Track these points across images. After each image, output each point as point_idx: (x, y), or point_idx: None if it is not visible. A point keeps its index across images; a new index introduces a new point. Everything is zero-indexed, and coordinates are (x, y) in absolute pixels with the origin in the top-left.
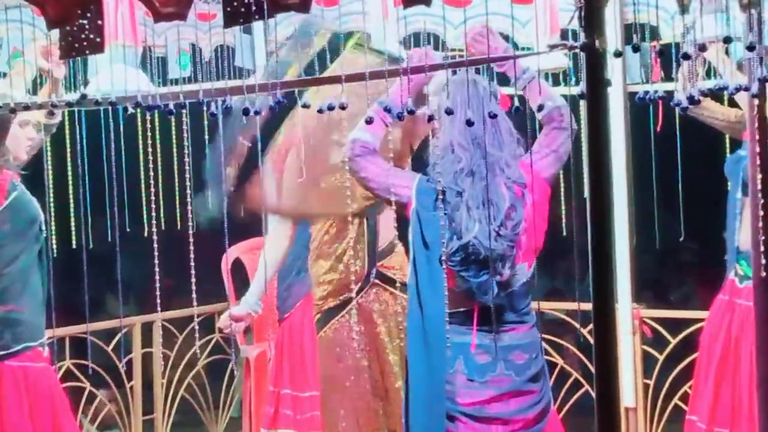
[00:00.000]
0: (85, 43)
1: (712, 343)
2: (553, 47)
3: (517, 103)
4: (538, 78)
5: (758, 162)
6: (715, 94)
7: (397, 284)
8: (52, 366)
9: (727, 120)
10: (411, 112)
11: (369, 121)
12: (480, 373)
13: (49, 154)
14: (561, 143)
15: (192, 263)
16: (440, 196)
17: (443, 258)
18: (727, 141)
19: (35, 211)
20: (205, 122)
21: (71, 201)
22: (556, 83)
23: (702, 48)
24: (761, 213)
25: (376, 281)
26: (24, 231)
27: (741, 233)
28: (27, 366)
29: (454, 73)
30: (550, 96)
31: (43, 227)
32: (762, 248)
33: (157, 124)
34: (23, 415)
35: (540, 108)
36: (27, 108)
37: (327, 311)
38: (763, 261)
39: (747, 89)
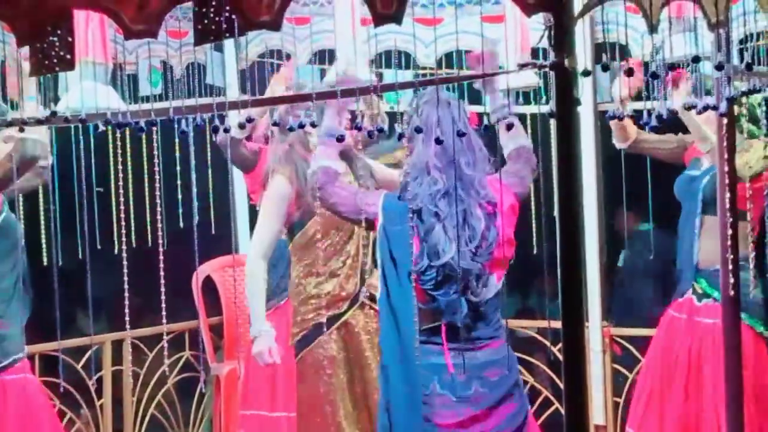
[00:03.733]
0: (55, 60)
1: (667, 361)
2: (522, 66)
3: (486, 121)
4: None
5: (726, 180)
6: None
7: None
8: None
9: (668, 147)
10: (381, 131)
11: (340, 139)
12: (454, 391)
13: (18, 171)
14: (525, 175)
15: (162, 281)
16: (413, 215)
17: (413, 276)
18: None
19: (19, 229)
20: (176, 139)
21: (42, 218)
22: (526, 102)
23: (671, 67)
24: (729, 232)
25: (364, 300)
26: (10, 251)
27: (701, 252)
28: (20, 378)
29: (418, 90)
30: (521, 134)
31: (22, 243)
32: (730, 266)
33: (128, 141)
34: (25, 427)
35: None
36: None
37: (313, 327)
38: (731, 279)
39: (715, 108)
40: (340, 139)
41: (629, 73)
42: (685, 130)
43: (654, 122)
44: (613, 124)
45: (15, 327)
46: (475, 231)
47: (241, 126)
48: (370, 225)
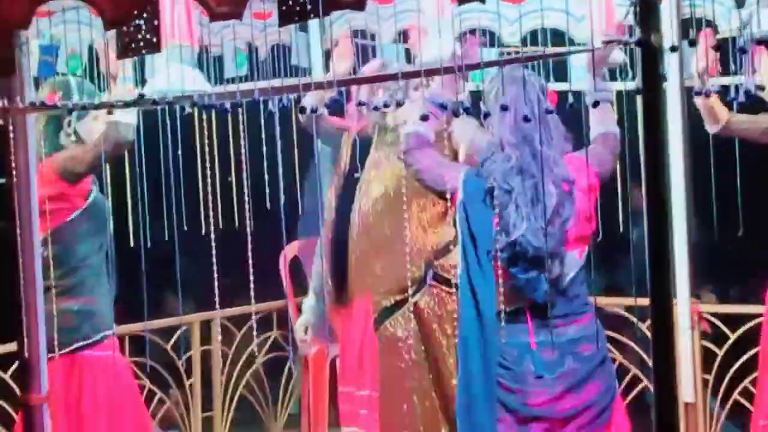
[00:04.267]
0: (141, 43)
1: None
2: (607, 43)
3: (571, 99)
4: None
5: None
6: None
7: (453, 284)
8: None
9: (761, 127)
10: (467, 110)
11: (424, 118)
12: (549, 369)
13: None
14: (607, 161)
15: (249, 261)
16: (489, 193)
17: (493, 255)
18: None
19: (107, 207)
20: (262, 120)
21: (129, 200)
22: (612, 78)
23: (760, 42)
24: None
25: (433, 282)
26: (99, 229)
27: None
28: (109, 356)
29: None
30: (610, 119)
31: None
32: None
33: (214, 123)
34: (111, 404)
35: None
36: (84, 108)
37: (384, 310)
38: None
39: None
40: (424, 118)
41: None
42: None
43: (741, 98)
44: (701, 106)
45: (104, 304)
46: (547, 208)
47: (328, 107)
48: (449, 198)
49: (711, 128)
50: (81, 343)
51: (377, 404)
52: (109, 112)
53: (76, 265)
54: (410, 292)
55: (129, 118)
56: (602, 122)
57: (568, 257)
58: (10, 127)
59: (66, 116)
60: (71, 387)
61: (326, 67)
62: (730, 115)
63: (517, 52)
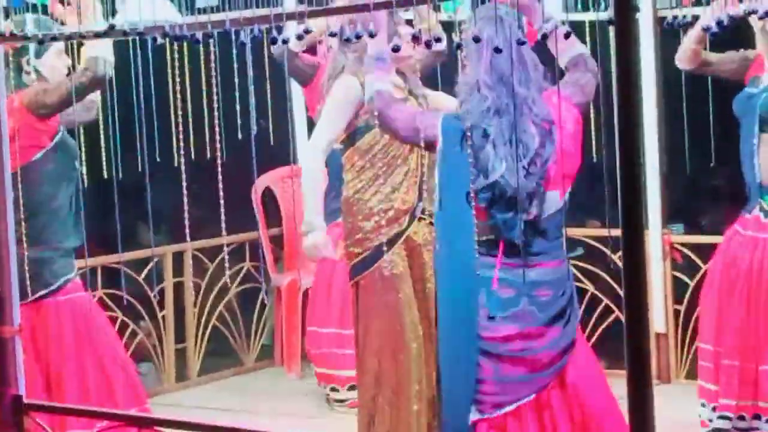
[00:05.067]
0: None
1: (731, 276)
2: None
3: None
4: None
5: None
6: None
7: None
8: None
9: (731, 66)
10: (438, 40)
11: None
12: (502, 308)
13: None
14: (586, 82)
15: (221, 192)
16: (467, 134)
17: (471, 195)
18: None
19: (75, 150)
20: (234, 52)
21: (101, 132)
22: (585, 8)
23: None
24: None
25: (422, 216)
26: (65, 170)
27: (762, 169)
28: (73, 297)
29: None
30: (573, 44)
31: (78, 165)
32: None
33: (185, 54)
34: (81, 345)
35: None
36: (55, 39)
37: (375, 248)
38: None
39: None
40: (396, 49)
41: None
42: (746, 47)
43: (714, 28)
44: (684, 49)
45: (65, 248)
46: (528, 148)
47: (299, 37)
48: (430, 147)
49: (684, 66)
50: (42, 291)
51: (345, 342)
52: (80, 44)
53: (35, 209)
54: (405, 225)
55: (108, 54)
56: (568, 48)
57: (549, 196)
58: None
59: (24, 55)
60: (37, 335)
61: None
62: (704, 55)
63: None
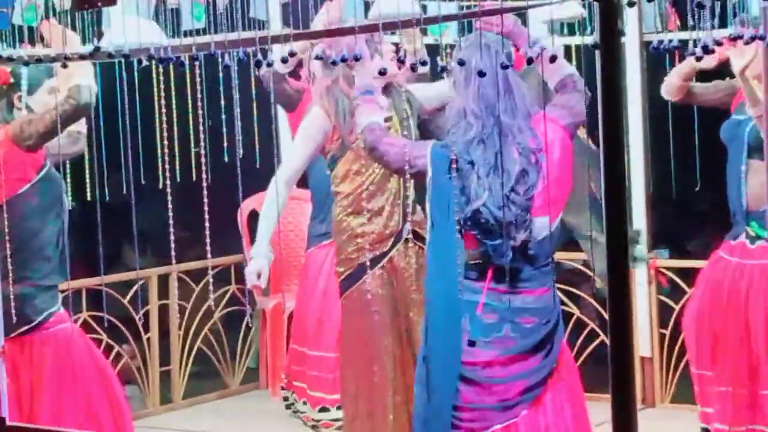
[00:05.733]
0: None
1: (720, 303)
2: None
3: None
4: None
5: None
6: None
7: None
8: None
9: (717, 96)
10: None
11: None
12: (484, 333)
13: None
14: (575, 103)
15: (206, 215)
16: (453, 164)
17: (460, 223)
18: None
19: (61, 184)
20: (220, 74)
21: (86, 153)
22: (571, 32)
23: None
24: None
25: (408, 237)
26: (50, 205)
27: (749, 195)
28: (56, 331)
29: (469, 30)
30: (564, 65)
31: (66, 200)
32: None
33: (172, 76)
34: (64, 378)
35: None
36: (39, 61)
37: (358, 266)
38: None
39: (762, 38)
40: (383, 72)
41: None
42: (732, 75)
43: (699, 52)
44: (667, 83)
45: (50, 284)
46: (510, 176)
47: (284, 60)
48: (420, 176)
49: (670, 98)
50: (26, 327)
51: (332, 366)
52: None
53: (21, 244)
54: (388, 247)
55: (90, 81)
56: (556, 70)
57: (537, 223)
58: None
59: (16, 92)
60: (20, 371)
61: (284, 21)
62: (690, 86)
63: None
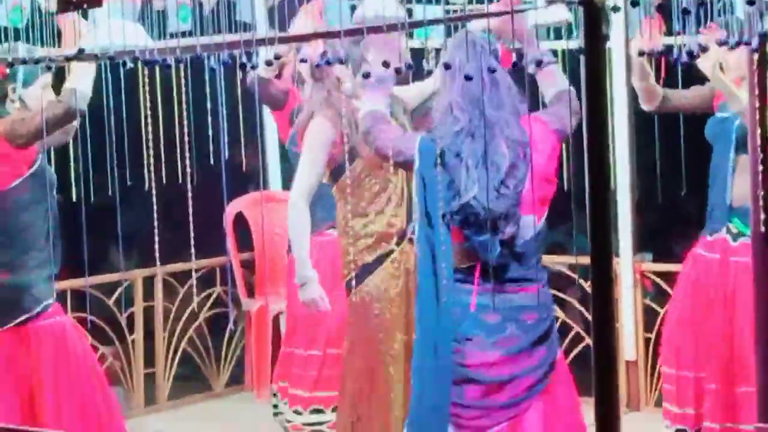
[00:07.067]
0: None
1: (699, 301)
2: (551, 1)
3: (515, 58)
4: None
5: (757, 116)
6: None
7: None
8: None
9: (696, 101)
10: (410, 67)
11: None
12: (489, 333)
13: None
14: (565, 115)
15: (191, 217)
16: (439, 158)
17: (447, 217)
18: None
19: (53, 178)
20: (206, 76)
21: (71, 154)
22: (558, 37)
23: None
24: (760, 167)
25: (413, 237)
26: (42, 198)
27: (734, 191)
28: (53, 322)
29: (456, 30)
30: (560, 79)
31: (55, 192)
32: (761, 202)
33: (158, 78)
34: (61, 368)
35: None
36: (24, 62)
37: (363, 267)
38: (763, 216)
39: (748, 44)
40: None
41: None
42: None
43: (684, 58)
44: (638, 88)
45: (44, 275)
46: (499, 169)
47: (268, 63)
48: (404, 166)
49: (647, 107)
50: (24, 317)
51: (329, 364)
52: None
53: (13, 236)
54: (392, 245)
55: (86, 88)
56: (554, 83)
57: (524, 220)
58: None
59: (10, 83)
60: (20, 359)
61: (270, 24)
62: (666, 92)
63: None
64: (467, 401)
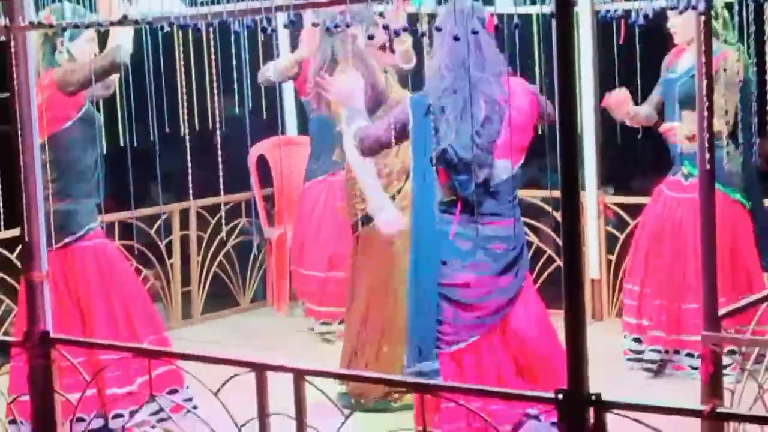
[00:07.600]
0: None
1: (657, 230)
2: None
3: (496, 21)
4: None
5: (704, 70)
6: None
7: None
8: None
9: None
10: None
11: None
12: (461, 258)
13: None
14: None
15: (219, 158)
16: (428, 111)
17: (432, 160)
18: None
19: (99, 120)
20: (232, 38)
21: (118, 106)
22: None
23: None
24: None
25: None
26: (89, 138)
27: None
28: (96, 243)
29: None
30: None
31: (101, 134)
32: (706, 144)
33: (190, 39)
34: (104, 282)
35: None
36: (76, 26)
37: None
38: (707, 155)
39: (695, 7)
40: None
41: None
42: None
43: (641, 21)
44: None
45: (90, 203)
46: (476, 121)
47: (286, 26)
48: (405, 130)
49: (620, 118)
50: (70, 238)
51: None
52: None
53: (64, 169)
54: (403, 182)
55: (128, 44)
56: None
57: (500, 164)
58: (12, 44)
59: (59, 37)
60: (68, 276)
61: None
62: (633, 108)
63: None
64: (442, 317)
